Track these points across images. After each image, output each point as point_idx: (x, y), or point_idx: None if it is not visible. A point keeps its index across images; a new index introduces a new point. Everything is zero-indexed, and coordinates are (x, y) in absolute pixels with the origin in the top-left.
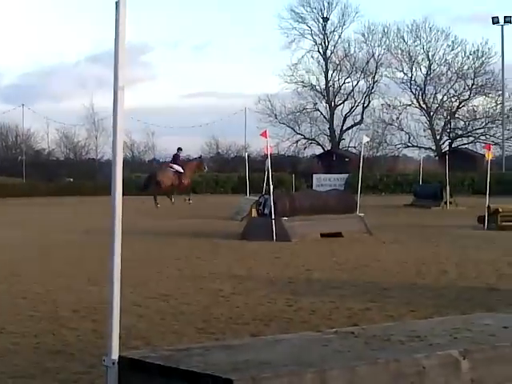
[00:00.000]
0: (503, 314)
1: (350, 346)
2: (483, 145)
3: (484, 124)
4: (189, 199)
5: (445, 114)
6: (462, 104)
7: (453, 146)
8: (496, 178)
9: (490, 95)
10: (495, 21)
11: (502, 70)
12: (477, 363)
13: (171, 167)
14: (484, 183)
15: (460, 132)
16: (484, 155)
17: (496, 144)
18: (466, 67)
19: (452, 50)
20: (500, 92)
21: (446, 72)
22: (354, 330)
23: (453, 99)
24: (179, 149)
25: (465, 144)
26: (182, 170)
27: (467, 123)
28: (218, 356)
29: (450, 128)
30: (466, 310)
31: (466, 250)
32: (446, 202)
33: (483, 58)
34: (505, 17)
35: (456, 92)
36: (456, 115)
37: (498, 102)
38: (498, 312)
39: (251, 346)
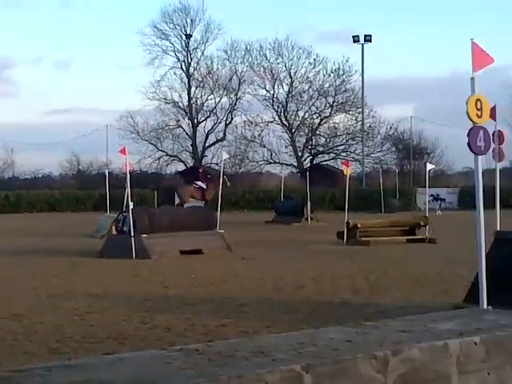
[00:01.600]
0: (348, 328)
1: (193, 364)
2: (343, 161)
3: (345, 141)
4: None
5: (306, 131)
6: (323, 121)
7: (314, 162)
8: (356, 193)
9: (351, 112)
10: (356, 39)
11: (362, 87)
12: (319, 377)
13: (195, 183)
14: (344, 199)
15: (321, 148)
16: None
17: (356, 160)
18: (327, 85)
19: (314, 67)
20: (360, 109)
21: (308, 89)
22: (199, 346)
23: (314, 116)
24: (199, 167)
25: (326, 160)
26: (205, 187)
27: (328, 140)
28: (59, 376)
29: (312, 145)
30: (320, 325)
31: (324, 265)
32: (306, 218)
33: (344, 76)
34: (365, 35)
35: (317, 109)
36: (317, 132)
37: (358, 119)
38: (346, 326)
39: (94, 366)
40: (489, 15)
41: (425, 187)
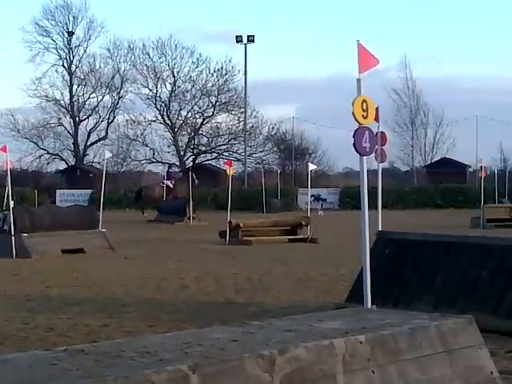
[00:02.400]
0: (234, 327)
1: (79, 364)
2: (226, 161)
3: (227, 140)
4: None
5: (189, 131)
6: (206, 121)
7: (197, 161)
8: (238, 193)
9: (233, 112)
10: (239, 40)
11: (244, 87)
12: (206, 377)
13: (162, 182)
14: (226, 198)
15: (204, 148)
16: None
17: (238, 160)
18: (210, 84)
19: (197, 67)
20: (243, 109)
21: (191, 89)
22: (84, 347)
23: (197, 116)
24: (170, 166)
25: (208, 160)
26: (172, 185)
27: (211, 139)
28: None
29: (194, 144)
30: (204, 325)
31: (207, 265)
32: (189, 218)
33: (227, 76)
34: (248, 36)
35: (200, 109)
36: (200, 131)
37: (241, 120)
38: (232, 325)
39: None
40: (368, 16)
41: (306, 187)
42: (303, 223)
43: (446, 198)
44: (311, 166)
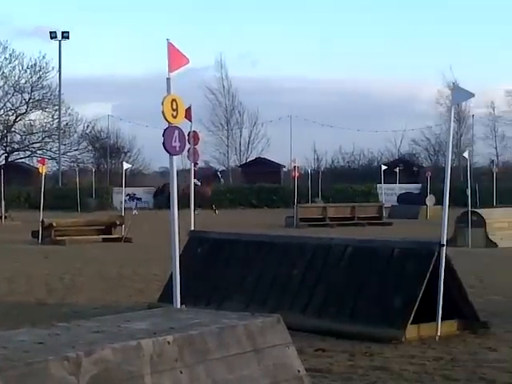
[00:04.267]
0: (40, 329)
1: None
2: (39, 159)
3: (41, 138)
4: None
5: (1, 128)
6: (19, 118)
7: (9, 159)
8: (52, 192)
9: (47, 110)
10: (53, 36)
11: (59, 84)
12: (10, 381)
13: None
14: (40, 197)
15: (17, 146)
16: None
17: (53, 159)
18: (23, 81)
19: (9, 63)
20: (57, 107)
21: (3, 85)
22: None
23: (9, 113)
24: (195, 164)
25: (22, 158)
26: (199, 183)
27: (24, 137)
28: None
29: (7, 142)
30: (13, 327)
31: (19, 265)
32: (1, 217)
33: (41, 73)
34: (63, 32)
35: (13, 106)
36: (13, 129)
37: (55, 117)
38: (39, 328)
39: None
40: (186, 16)
41: (121, 186)
42: (117, 222)
43: (261, 198)
44: (126, 165)
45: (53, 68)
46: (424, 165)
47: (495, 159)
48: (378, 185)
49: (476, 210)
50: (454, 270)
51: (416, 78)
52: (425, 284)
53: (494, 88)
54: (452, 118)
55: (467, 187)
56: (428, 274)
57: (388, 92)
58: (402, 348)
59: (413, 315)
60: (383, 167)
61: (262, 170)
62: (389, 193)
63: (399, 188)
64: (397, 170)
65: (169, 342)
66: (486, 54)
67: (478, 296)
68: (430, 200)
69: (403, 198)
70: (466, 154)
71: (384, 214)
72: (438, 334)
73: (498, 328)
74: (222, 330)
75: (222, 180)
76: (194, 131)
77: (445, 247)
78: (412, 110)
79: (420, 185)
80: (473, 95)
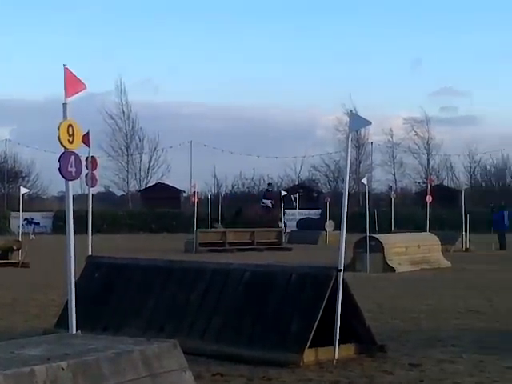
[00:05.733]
0: None
1: None
2: None
3: None
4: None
5: None
6: None
7: None
8: None
9: None
10: None
11: None
12: None
13: (262, 202)
14: None
15: None
16: None
17: None
18: None
19: None
20: None
21: None
22: None
23: None
24: (269, 184)
25: None
26: (271, 205)
27: None
28: None
29: None
30: None
31: None
32: None
33: None
34: None
35: None
36: None
37: None
38: None
39: None
40: (84, 39)
41: (19, 211)
42: (14, 247)
43: (161, 223)
44: (23, 190)
45: None
46: (323, 190)
47: (393, 185)
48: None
49: (374, 235)
50: (351, 294)
51: (316, 104)
52: (322, 308)
53: (393, 115)
54: (349, 145)
55: (365, 213)
56: (325, 299)
57: (288, 118)
58: (299, 372)
59: (310, 339)
60: (283, 193)
61: (161, 196)
62: (289, 218)
63: (299, 213)
64: (296, 195)
65: (63, 368)
66: (385, 82)
67: (375, 320)
68: (329, 225)
69: (303, 224)
70: (364, 180)
71: (283, 239)
72: (336, 357)
73: (394, 351)
74: (118, 356)
75: (294, 201)
76: (92, 156)
77: (342, 272)
78: (312, 136)
79: (320, 210)
80: (370, 123)
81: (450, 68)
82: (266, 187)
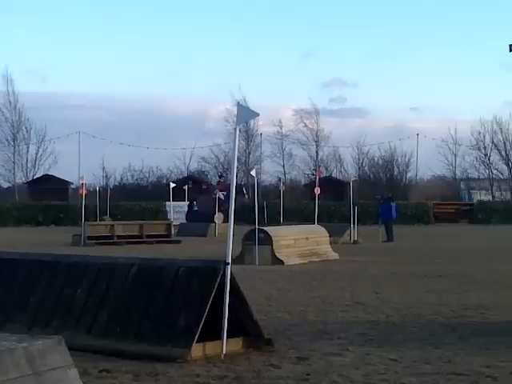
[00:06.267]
0: None
1: None
2: None
3: None
4: None
5: None
6: None
7: None
8: None
9: None
10: None
11: None
12: None
13: (215, 194)
14: None
15: None
16: None
17: None
18: None
19: None
20: None
21: None
22: None
23: None
24: (220, 176)
25: None
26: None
27: None
28: None
29: None
30: None
31: None
32: None
33: None
34: None
35: None
36: None
37: None
38: None
39: None
40: None
41: None
42: None
43: (48, 216)
44: None
45: None
46: (213, 182)
47: (282, 177)
48: (166, 202)
49: (263, 227)
50: (239, 288)
51: (206, 96)
52: (210, 302)
53: (283, 107)
54: (237, 137)
55: (254, 205)
56: (213, 293)
57: (178, 110)
58: (187, 367)
59: (198, 334)
60: (172, 185)
61: (49, 188)
62: (178, 210)
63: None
64: (186, 187)
65: None
66: (275, 73)
67: (263, 313)
68: (218, 218)
69: (192, 216)
70: (253, 172)
71: (173, 232)
72: (224, 352)
73: (281, 345)
74: (1, 353)
75: (246, 196)
76: None
77: (230, 265)
78: (202, 127)
79: None
80: (257, 114)
81: (339, 60)
82: (217, 179)
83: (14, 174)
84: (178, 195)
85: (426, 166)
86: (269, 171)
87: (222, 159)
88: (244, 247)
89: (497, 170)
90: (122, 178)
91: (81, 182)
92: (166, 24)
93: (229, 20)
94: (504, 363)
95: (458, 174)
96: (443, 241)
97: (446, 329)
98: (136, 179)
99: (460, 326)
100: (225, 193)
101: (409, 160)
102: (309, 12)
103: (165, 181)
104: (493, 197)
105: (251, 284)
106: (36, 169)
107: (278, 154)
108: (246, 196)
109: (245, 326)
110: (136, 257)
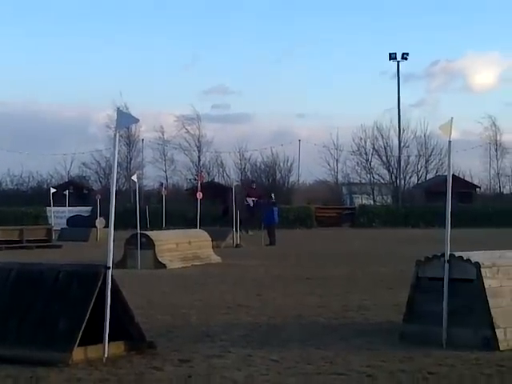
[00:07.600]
0: None
1: None
2: None
3: None
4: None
5: None
6: None
7: None
8: None
9: None
10: None
11: None
12: None
13: (246, 200)
14: None
15: None
16: None
17: None
18: None
19: None
20: None
21: None
22: None
23: None
24: (252, 182)
25: None
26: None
27: None
28: None
29: None
30: None
31: None
32: None
33: None
34: None
35: None
36: None
37: None
38: None
39: None
40: None
41: None
42: None
43: None
44: None
45: None
46: (94, 188)
47: (164, 182)
48: (47, 208)
49: (145, 231)
50: (120, 291)
51: (89, 102)
52: (91, 306)
53: (165, 113)
54: (117, 142)
55: (136, 210)
56: (94, 297)
57: (61, 115)
58: (68, 371)
59: (79, 338)
60: (52, 190)
61: None
62: (59, 216)
63: (69, 211)
64: (66, 192)
65: None
66: (157, 81)
67: (145, 316)
68: (99, 222)
69: (73, 221)
70: (134, 177)
71: (54, 237)
72: (106, 355)
73: (164, 348)
74: None
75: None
76: None
77: (111, 269)
78: (84, 133)
79: (90, 207)
80: (137, 120)
81: (222, 67)
82: (250, 185)
83: None
84: (59, 200)
85: (309, 170)
86: (151, 176)
87: (103, 164)
88: (126, 251)
89: (378, 174)
90: (0, 183)
91: None
92: (53, 27)
93: (113, 26)
94: (384, 363)
95: (340, 178)
96: (325, 244)
97: (327, 330)
98: (15, 184)
99: (341, 327)
100: (254, 199)
101: (291, 165)
102: (193, 20)
103: (45, 186)
104: (374, 201)
105: (133, 288)
106: None
107: (160, 160)
108: (252, 203)
109: (127, 330)
110: (15, 261)
